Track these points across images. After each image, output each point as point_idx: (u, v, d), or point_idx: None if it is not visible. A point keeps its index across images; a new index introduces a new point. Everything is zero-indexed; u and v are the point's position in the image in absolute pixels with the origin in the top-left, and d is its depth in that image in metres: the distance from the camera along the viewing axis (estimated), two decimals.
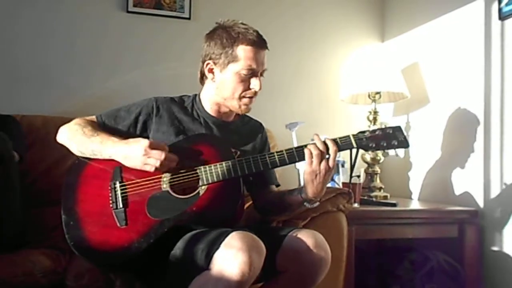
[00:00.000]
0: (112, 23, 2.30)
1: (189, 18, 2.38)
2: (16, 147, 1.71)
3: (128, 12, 2.30)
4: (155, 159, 1.32)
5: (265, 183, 1.58)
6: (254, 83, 1.47)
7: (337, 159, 1.97)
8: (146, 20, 2.34)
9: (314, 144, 1.36)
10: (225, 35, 1.47)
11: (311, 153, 1.35)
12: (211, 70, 1.51)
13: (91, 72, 2.26)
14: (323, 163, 1.34)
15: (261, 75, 1.50)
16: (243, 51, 1.45)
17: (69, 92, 2.21)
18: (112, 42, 2.30)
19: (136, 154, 1.33)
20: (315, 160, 1.34)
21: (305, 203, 1.43)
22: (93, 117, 1.53)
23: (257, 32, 1.48)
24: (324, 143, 1.36)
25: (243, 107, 1.50)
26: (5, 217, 1.54)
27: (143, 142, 1.33)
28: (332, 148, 1.36)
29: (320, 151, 1.35)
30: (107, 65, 2.28)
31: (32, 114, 1.98)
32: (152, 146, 1.33)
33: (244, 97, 1.49)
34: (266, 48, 1.49)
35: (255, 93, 1.49)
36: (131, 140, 1.37)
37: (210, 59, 1.50)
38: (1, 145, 1.50)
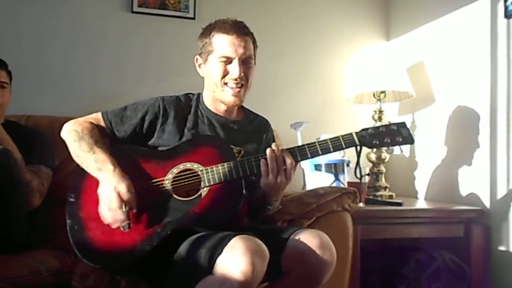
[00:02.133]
0: (117, 24, 2.31)
1: (193, 18, 2.38)
2: (47, 162, 1.73)
3: (133, 12, 2.31)
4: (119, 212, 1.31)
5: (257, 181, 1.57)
6: (232, 69, 1.48)
7: (341, 158, 2.01)
8: (151, 20, 2.34)
9: (271, 157, 1.35)
10: (206, 30, 1.53)
11: (267, 167, 1.35)
12: (200, 65, 1.57)
13: (95, 73, 2.27)
14: (279, 177, 1.35)
15: (244, 62, 1.49)
16: (216, 40, 1.48)
17: (72, 93, 2.22)
18: (116, 42, 2.30)
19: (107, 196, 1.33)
20: (270, 174, 1.35)
21: (268, 207, 1.46)
22: (99, 114, 1.51)
23: (235, 21, 1.50)
24: (282, 156, 1.36)
25: (230, 97, 1.50)
26: (13, 218, 1.54)
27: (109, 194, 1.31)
28: (288, 161, 1.36)
29: (277, 164, 1.35)
30: (111, 65, 2.29)
31: (39, 115, 1.98)
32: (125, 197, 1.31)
33: (226, 84, 1.49)
34: (244, 34, 1.48)
35: (236, 79, 1.48)
36: (105, 178, 1.34)
37: (198, 54, 1.56)
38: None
